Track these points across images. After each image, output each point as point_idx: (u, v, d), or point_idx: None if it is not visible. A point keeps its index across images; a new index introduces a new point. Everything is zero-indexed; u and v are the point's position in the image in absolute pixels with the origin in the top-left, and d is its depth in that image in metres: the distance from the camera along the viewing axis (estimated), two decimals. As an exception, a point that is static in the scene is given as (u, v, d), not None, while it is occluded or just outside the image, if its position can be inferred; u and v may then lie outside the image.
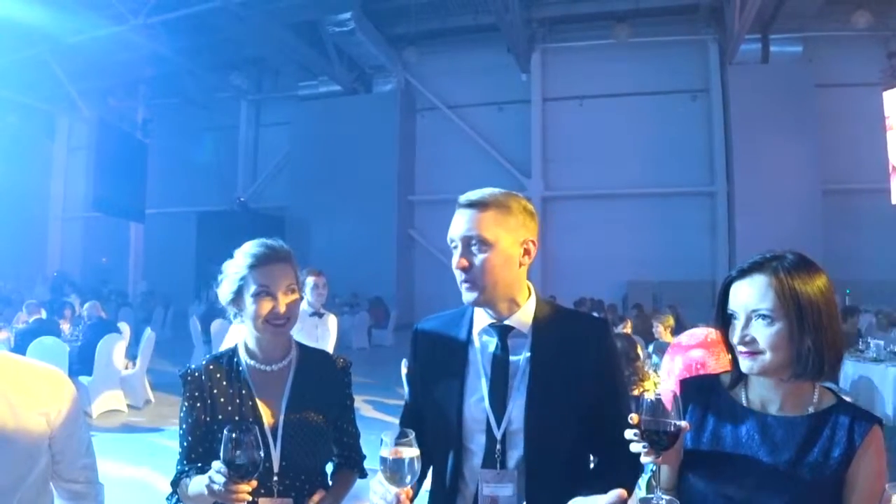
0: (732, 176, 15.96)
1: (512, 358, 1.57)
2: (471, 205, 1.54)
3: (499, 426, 1.52)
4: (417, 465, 1.38)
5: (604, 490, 1.42)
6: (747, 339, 1.36)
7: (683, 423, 1.32)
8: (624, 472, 1.49)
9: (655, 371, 4.69)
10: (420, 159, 18.94)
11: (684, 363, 3.41)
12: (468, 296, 1.55)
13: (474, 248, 1.52)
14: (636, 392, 3.84)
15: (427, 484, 1.67)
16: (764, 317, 1.34)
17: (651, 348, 6.11)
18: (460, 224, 1.55)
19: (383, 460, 1.36)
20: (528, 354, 1.56)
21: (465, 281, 1.54)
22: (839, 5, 14.52)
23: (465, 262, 1.52)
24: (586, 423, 1.52)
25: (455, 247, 1.55)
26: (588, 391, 1.54)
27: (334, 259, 14.95)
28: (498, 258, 1.52)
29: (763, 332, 1.34)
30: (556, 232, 16.70)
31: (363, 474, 1.93)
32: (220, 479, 1.47)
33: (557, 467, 1.52)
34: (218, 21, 14.24)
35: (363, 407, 7.89)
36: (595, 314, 10.73)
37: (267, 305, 1.71)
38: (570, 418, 1.49)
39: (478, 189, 1.58)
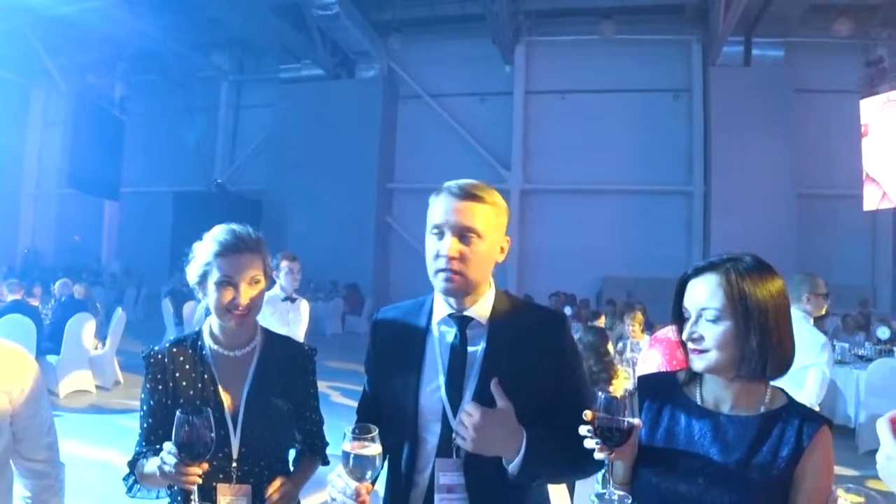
0: (710, 176, 16.09)
1: (470, 348, 1.56)
2: (469, 196, 1.51)
3: (455, 416, 1.50)
4: (379, 462, 1.38)
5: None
6: (695, 336, 1.39)
7: (636, 421, 1.35)
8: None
9: (624, 368, 4.74)
10: (400, 147, 18.85)
11: (662, 355, 3.48)
12: (447, 285, 1.51)
13: (467, 240, 1.50)
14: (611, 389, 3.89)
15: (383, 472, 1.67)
16: (712, 315, 1.37)
17: (620, 346, 6.14)
18: (455, 212, 1.50)
19: (345, 455, 1.35)
20: (484, 345, 1.56)
21: (449, 270, 1.49)
22: (821, 12, 14.70)
23: (458, 251, 1.49)
24: (542, 414, 1.52)
25: (441, 234, 1.52)
26: (544, 383, 1.54)
27: (311, 244, 14.91)
28: (487, 253, 1.53)
29: (710, 331, 1.37)
30: (534, 225, 16.77)
31: (326, 461, 1.92)
32: (172, 460, 1.47)
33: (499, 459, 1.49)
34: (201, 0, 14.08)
35: (332, 393, 7.87)
36: (568, 308, 10.82)
37: (228, 295, 1.69)
38: (524, 409, 1.50)
39: (465, 179, 1.56)
